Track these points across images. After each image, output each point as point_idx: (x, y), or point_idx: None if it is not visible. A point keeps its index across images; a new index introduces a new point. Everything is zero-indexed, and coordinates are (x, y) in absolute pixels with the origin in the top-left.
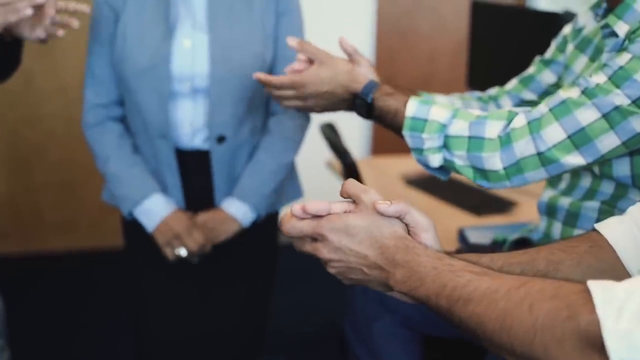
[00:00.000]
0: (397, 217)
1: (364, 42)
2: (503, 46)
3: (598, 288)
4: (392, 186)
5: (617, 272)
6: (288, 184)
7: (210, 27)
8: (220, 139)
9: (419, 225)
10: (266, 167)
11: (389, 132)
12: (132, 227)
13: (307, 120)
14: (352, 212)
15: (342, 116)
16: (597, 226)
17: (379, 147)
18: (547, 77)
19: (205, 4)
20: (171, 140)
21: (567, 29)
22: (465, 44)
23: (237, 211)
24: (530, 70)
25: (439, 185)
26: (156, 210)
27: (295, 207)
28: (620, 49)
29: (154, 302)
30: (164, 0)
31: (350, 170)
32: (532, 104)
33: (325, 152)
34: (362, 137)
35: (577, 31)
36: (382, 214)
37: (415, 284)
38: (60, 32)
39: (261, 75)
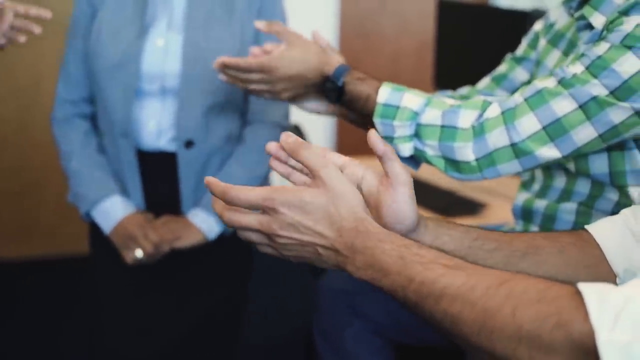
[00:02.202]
0: (379, 158)
1: None
2: (470, 46)
3: (592, 292)
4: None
5: (602, 270)
6: None
7: (186, 27)
8: (189, 144)
9: (398, 178)
10: (236, 179)
11: (354, 134)
12: (97, 232)
13: (285, 129)
14: (308, 187)
15: (307, 117)
16: (587, 227)
17: (344, 149)
18: (520, 74)
19: (184, 5)
20: (133, 140)
21: (538, 25)
22: (430, 44)
23: (202, 223)
24: (502, 68)
25: None
26: (113, 211)
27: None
28: (598, 39)
29: (113, 311)
30: (142, 1)
31: None
32: None
33: None
34: (327, 139)
35: (549, 26)
36: (370, 143)
37: (378, 274)
38: (22, 39)
39: (226, 58)
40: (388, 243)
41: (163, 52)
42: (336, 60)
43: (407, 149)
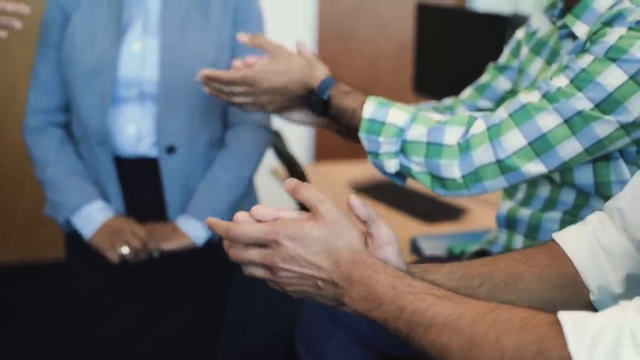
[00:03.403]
0: (364, 222)
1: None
2: (450, 49)
3: (569, 321)
4: (340, 194)
5: (578, 287)
6: (245, 201)
7: (162, 32)
8: (170, 149)
9: (384, 238)
10: (221, 183)
11: (333, 138)
12: (74, 240)
13: (269, 132)
14: (309, 220)
15: (287, 123)
16: (556, 237)
17: (323, 153)
18: (502, 83)
19: (159, 9)
20: (110, 147)
21: (520, 33)
22: (409, 46)
23: (193, 230)
24: (485, 78)
25: (388, 192)
26: (95, 215)
27: (240, 213)
28: (582, 50)
29: (90, 319)
30: (117, 4)
31: (298, 179)
32: (490, 111)
33: (269, 159)
34: (305, 142)
35: (531, 34)
36: (352, 210)
37: (372, 304)
38: (2, 34)
39: (208, 71)
40: (382, 274)
41: (140, 57)
42: (321, 73)
43: (392, 165)
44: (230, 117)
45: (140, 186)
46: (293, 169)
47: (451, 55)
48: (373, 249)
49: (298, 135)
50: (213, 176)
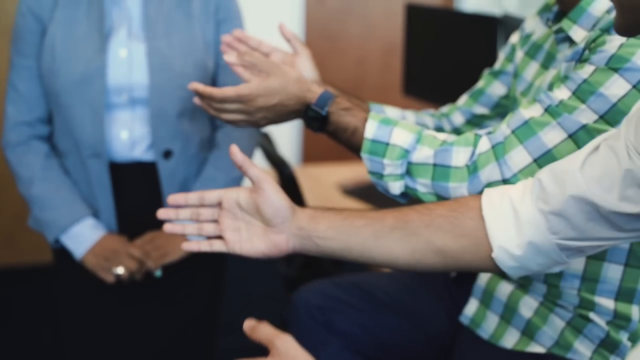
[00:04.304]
0: (241, 168)
1: None
2: (439, 49)
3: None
4: (329, 196)
5: (474, 240)
6: None
7: (147, 36)
8: (167, 154)
9: (261, 179)
10: (216, 183)
11: (321, 140)
12: (63, 256)
13: (258, 131)
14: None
15: (277, 126)
16: (484, 198)
17: (311, 155)
18: (497, 89)
19: (140, 13)
20: (105, 158)
21: (514, 37)
22: (395, 47)
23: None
24: (480, 84)
25: (377, 194)
26: (86, 234)
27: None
28: (581, 59)
29: (77, 325)
30: (96, 10)
31: (288, 182)
32: (484, 118)
33: (258, 162)
34: (293, 144)
35: (526, 37)
36: (232, 158)
37: None
38: None
39: (199, 86)
40: None
41: (127, 63)
42: (317, 87)
43: (397, 187)
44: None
45: (137, 192)
46: (282, 171)
47: (441, 56)
48: (257, 193)
49: (286, 137)
50: (209, 177)
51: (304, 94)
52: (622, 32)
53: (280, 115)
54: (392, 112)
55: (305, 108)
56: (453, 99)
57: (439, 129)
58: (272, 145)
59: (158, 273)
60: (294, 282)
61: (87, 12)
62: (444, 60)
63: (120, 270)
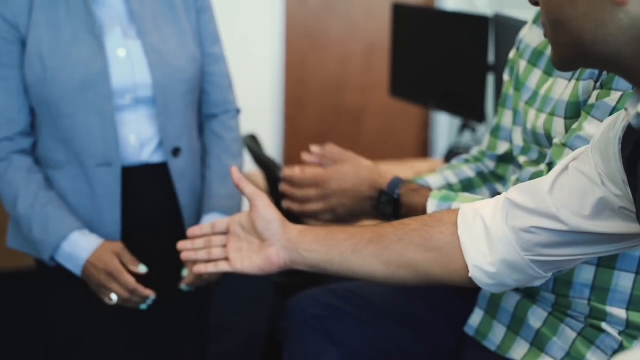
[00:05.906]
0: (238, 187)
1: (274, 47)
2: (426, 50)
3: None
4: None
5: (445, 254)
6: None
7: (139, 32)
8: (176, 151)
9: (254, 195)
10: (228, 170)
11: (303, 141)
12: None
13: (239, 112)
14: None
15: (256, 128)
16: (461, 213)
17: (291, 157)
18: (508, 117)
19: (125, 10)
20: (117, 166)
21: (511, 54)
22: (378, 47)
23: None
24: (495, 120)
25: None
26: (77, 252)
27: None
28: (600, 79)
29: (65, 329)
30: (78, 10)
31: (276, 183)
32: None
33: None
34: (275, 146)
35: (524, 48)
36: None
37: None
38: None
39: (287, 171)
40: None
41: (128, 62)
42: (388, 173)
43: None
44: (205, 108)
45: (147, 196)
46: (271, 172)
47: (428, 57)
48: (252, 210)
49: (268, 141)
50: (221, 166)
51: (376, 178)
52: (560, 68)
53: (357, 200)
54: (431, 179)
55: (378, 194)
56: (440, 100)
57: (480, 173)
58: (259, 147)
59: (149, 301)
60: (285, 288)
61: (67, 13)
62: (432, 61)
63: (114, 298)
